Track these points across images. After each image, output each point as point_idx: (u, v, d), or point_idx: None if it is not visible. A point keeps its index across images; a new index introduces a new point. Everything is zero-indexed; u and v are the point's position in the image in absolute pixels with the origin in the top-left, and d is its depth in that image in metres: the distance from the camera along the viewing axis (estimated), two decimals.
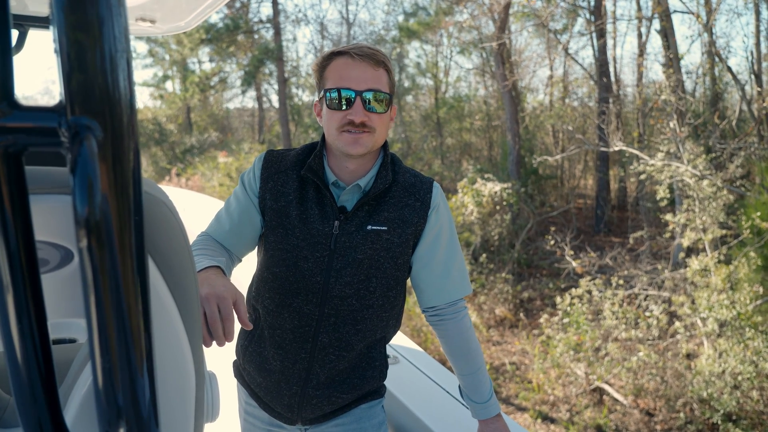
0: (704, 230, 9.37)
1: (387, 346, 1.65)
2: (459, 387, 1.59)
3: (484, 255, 12.57)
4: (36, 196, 0.76)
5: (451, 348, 1.55)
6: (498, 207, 13.21)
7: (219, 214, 1.53)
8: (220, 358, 2.36)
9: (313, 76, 1.48)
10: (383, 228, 1.43)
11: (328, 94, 1.38)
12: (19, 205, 0.67)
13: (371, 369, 1.52)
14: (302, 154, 1.49)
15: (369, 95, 1.36)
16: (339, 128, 1.38)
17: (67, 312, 0.78)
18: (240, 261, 1.55)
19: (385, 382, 1.62)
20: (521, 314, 11.47)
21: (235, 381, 1.67)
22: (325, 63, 1.42)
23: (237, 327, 1.55)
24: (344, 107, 1.37)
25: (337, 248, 1.42)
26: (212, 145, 22.13)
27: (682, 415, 8.09)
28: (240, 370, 1.62)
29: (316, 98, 1.47)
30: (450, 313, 1.53)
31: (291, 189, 1.45)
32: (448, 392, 1.95)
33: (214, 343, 1.20)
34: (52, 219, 0.75)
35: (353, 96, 1.36)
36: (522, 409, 8.68)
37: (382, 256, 1.44)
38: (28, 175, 0.72)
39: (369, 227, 1.43)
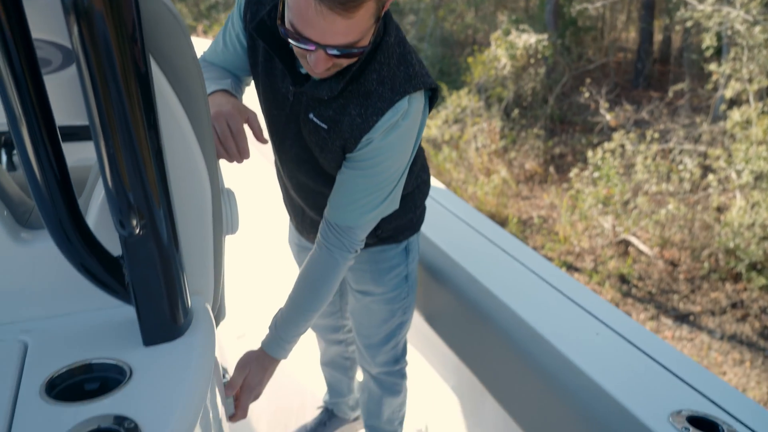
0: (750, 80, 8.93)
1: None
2: (277, 313, 1.43)
3: (516, 110, 12.31)
4: None
5: (307, 273, 1.39)
6: (532, 60, 12.69)
7: (216, 38, 1.46)
8: None
9: None
10: (323, 126, 1.25)
11: (282, 29, 1.09)
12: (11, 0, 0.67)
13: None
14: (273, 7, 1.25)
15: (335, 51, 1.06)
16: (301, 57, 1.14)
17: (78, 115, 0.79)
18: (249, 83, 1.51)
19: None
20: (551, 169, 11.43)
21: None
22: None
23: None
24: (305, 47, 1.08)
25: (292, 114, 1.30)
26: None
27: (706, 265, 8.24)
28: None
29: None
30: (329, 236, 1.34)
31: (265, 27, 1.24)
32: (478, 231, 1.97)
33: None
34: (49, 15, 0.75)
35: (314, 48, 1.06)
36: (547, 259, 8.93)
37: (317, 152, 1.30)
38: None
39: (311, 116, 1.26)
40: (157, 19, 0.82)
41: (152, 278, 0.80)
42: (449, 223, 2.01)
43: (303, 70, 1.25)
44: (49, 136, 0.70)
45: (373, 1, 1.01)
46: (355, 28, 1.03)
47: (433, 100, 1.29)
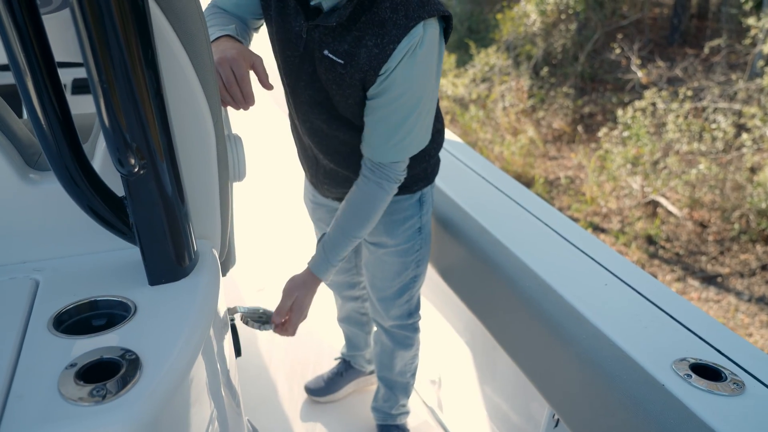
0: None
1: None
2: (323, 236, 1.51)
3: (545, 68, 12.04)
4: None
5: (353, 201, 1.44)
6: (563, 16, 12.34)
7: None
8: None
9: None
10: (339, 61, 1.26)
11: None
12: None
13: None
14: None
15: None
16: None
17: (78, 54, 0.80)
18: (257, 28, 1.51)
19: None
20: (580, 129, 11.22)
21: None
22: None
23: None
24: None
25: (306, 53, 1.30)
26: None
27: (736, 226, 8.07)
28: None
29: None
30: (374, 172, 1.41)
31: None
32: (492, 184, 1.96)
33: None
34: None
35: None
36: (573, 220, 8.85)
37: (334, 90, 1.30)
38: None
39: (326, 53, 1.27)
40: None
41: (155, 219, 0.82)
42: (464, 175, 2.00)
43: (314, 2, 1.25)
44: (51, 80, 0.72)
45: None
46: None
47: (447, 31, 1.30)
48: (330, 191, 1.63)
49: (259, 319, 1.50)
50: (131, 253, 0.94)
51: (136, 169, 0.76)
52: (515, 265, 1.55)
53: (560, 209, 9.21)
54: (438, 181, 1.80)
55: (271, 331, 1.51)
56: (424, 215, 1.65)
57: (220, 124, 0.98)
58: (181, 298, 0.85)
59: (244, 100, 1.19)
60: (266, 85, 1.24)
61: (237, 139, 1.15)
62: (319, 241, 1.53)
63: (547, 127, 11.41)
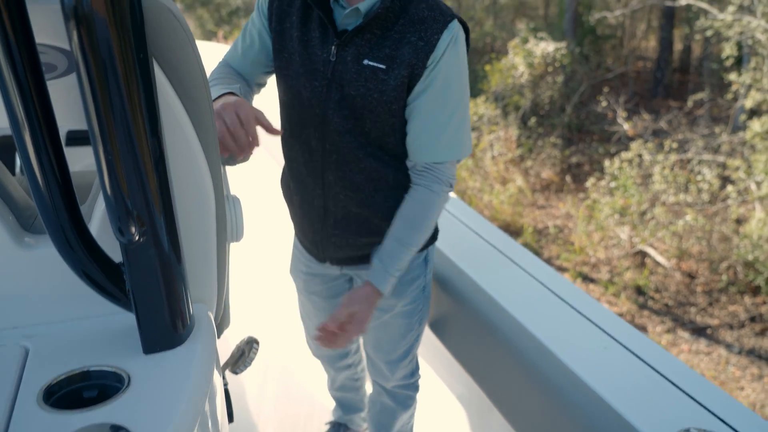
0: None
1: None
2: (378, 249, 1.47)
3: (533, 119, 12.25)
4: None
5: (407, 212, 1.42)
6: (550, 69, 12.64)
7: (236, 39, 1.48)
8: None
9: None
10: (381, 66, 1.27)
11: None
12: (15, 3, 0.67)
13: (389, 220, 1.44)
14: None
15: None
16: None
17: (83, 119, 0.80)
18: (259, 89, 1.51)
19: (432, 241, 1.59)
20: (568, 178, 11.35)
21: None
22: None
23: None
24: None
25: (335, 78, 1.31)
26: None
27: (724, 277, 8.11)
28: None
29: None
30: (424, 176, 1.40)
31: (295, 8, 1.35)
32: (487, 241, 1.95)
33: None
34: (53, 20, 0.75)
35: None
36: (562, 270, 8.86)
37: (375, 98, 1.30)
38: None
39: (366, 62, 1.28)
40: (161, 23, 0.82)
41: (153, 286, 0.80)
42: (459, 232, 2.00)
43: (340, 25, 1.30)
44: (51, 142, 0.71)
45: None
46: None
47: (467, 39, 1.37)
48: (335, 250, 1.54)
49: (246, 353, 1.40)
50: (124, 317, 0.91)
51: (136, 238, 0.74)
52: (512, 326, 1.53)
53: (549, 258, 9.24)
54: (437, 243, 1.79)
55: (259, 389, 1.44)
56: (428, 273, 1.63)
57: (220, 187, 0.98)
58: (176, 369, 0.82)
59: (249, 144, 1.17)
60: (273, 130, 1.23)
61: (235, 200, 1.14)
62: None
63: (535, 176, 11.54)
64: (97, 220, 0.88)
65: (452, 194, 2.35)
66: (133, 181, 0.71)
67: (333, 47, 1.30)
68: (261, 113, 1.24)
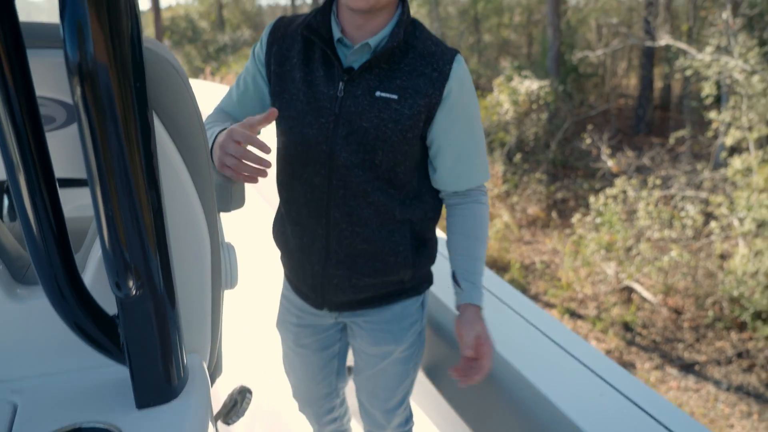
0: (750, 128, 9.01)
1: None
2: (452, 272, 1.49)
3: (518, 155, 12.40)
4: (35, 50, 0.76)
5: (466, 229, 1.46)
6: (534, 106, 12.86)
7: (231, 87, 1.49)
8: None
9: None
10: (393, 96, 1.31)
11: None
12: (16, 55, 0.67)
13: (395, 255, 1.44)
14: (311, 14, 1.37)
15: None
16: None
17: (80, 171, 0.79)
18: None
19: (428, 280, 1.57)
20: (554, 214, 11.43)
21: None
22: None
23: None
24: None
25: (343, 113, 1.33)
26: (245, 44, 21.81)
27: (710, 313, 8.15)
28: (281, 255, 1.61)
29: None
30: (468, 195, 1.45)
31: (295, 51, 1.37)
32: (487, 290, 1.93)
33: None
34: (54, 74, 0.75)
35: None
36: (550, 306, 8.85)
37: (390, 128, 1.32)
38: (26, 29, 0.72)
39: (378, 93, 1.31)
40: (161, 75, 0.82)
41: (148, 339, 0.79)
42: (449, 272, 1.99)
43: (346, 62, 1.33)
44: (49, 193, 0.70)
45: None
46: None
47: None
48: (336, 294, 1.49)
49: (239, 403, 1.36)
50: (116, 369, 0.89)
51: (133, 292, 0.73)
52: (506, 370, 1.51)
53: (536, 294, 9.24)
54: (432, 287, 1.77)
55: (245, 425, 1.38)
56: (424, 317, 1.61)
57: (216, 235, 0.97)
58: (170, 424, 0.79)
59: (261, 159, 1.16)
60: (266, 148, 1.19)
61: (230, 248, 1.13)
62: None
63: (521, 211, 11.62)
64: (91, 271, 0.87)
65: (440, 234, 2.35)
66: (132, 236, 0.70)
67: (341, 83, 1.32)
68: (251, 135, 1.21)
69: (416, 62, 1.32)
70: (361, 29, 1.31)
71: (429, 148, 1.41)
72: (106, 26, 0.62)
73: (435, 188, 1.48)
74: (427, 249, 1.51)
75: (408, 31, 1.34)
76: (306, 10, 23.88)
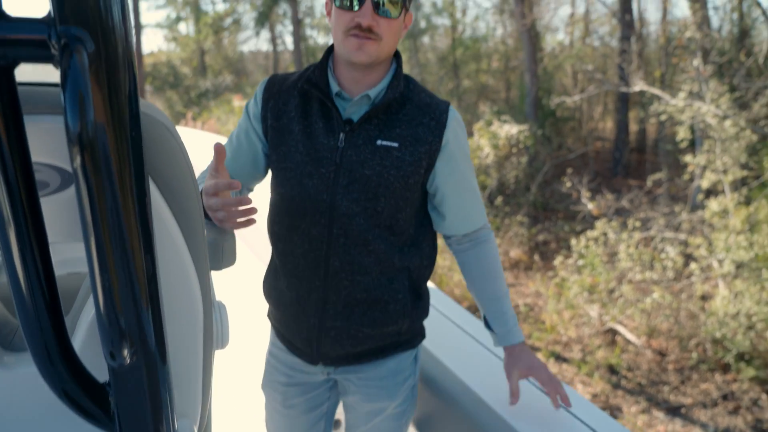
0: (724, 172, 9.22)
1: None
2: (483, 317, 1.55)
3: (499, 198, 12.52)
4: (32, 116, 0.75)
5: (482, 271, 1.52)
6: (514, 149, 13.07)
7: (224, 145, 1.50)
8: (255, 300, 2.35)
9: None
10: (394, 144, 1.35)
11: (335, 3, 1.30)
12: (14, 123, 0.67)
13: (394, 303, 1.43)
14: (306, 70, 1.41)
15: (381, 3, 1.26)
16: (346, 31, 1.29)
17: (72, 235, 0.78)
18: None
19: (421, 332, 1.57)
20: (536, 257, 11.49)
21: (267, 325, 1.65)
22: None
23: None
24: (355, 7, 1.27)
25: (344, 162, 1.35)
26: (227, 89, 22.00)
27: (694, 354, 8.17)
28: (268, 311, 1.60)
29: None
30: (477, 235, 1.51)
31: (293, 105, 1.39)
32: (480, 342, 1.91)
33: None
34: (49, 140, 0.74)
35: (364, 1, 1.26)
36: (535, 349, 8.81)
37: (392, 174, 1.35)
38: (23, 95, 0.71)
39: (379, 142, 1.35)
40: (156, 138, 0.82)
41: (140, 407, 0.76)
42: (440, 325, 1.98)
43: (345, 114, 1.38)
44: (42, 259, 0.68)
45: None
46: None
47: None
48: (333, 346, 1.46)
49: None
50: None
51: (127, 361, 0.71)
52: (495, 421, 1.49)
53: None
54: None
55: None
56: (416, 371, 1.59)
57: (208, 296, 0.95)
58: None
59: (240, 201, 1.18)
60: (234, 184, 1.19)
61: (221, 307, 1.11)
62: None
63: (504, 254, 11.66)
64: (81, 336, 0.85)
65: (431, 285, 2.34)
66: (128, 304, 0.69)
67: (342, 134, 1.35)
68: (217, 182, 1.22)
69: (414, 112, 1.37)
70: (359, 83, 1.36)
71: (432, 196, 1.46)
72: (106, 94, 0.62)
73: (434, 235, 1.53)
74: (422, 300, 1.52)
75: (404, 83, 1.40)
76: (287, 56, 24.28)
